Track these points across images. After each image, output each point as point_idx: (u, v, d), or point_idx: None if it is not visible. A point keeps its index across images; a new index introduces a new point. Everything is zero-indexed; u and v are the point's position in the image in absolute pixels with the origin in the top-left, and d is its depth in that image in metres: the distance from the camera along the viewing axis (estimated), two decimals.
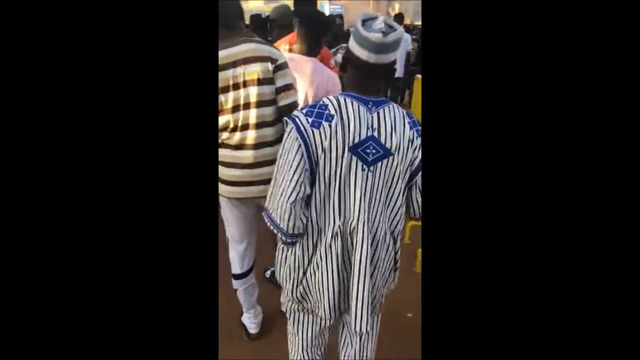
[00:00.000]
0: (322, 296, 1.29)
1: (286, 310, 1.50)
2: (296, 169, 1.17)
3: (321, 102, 1.18)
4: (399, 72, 5.75)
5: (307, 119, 1.16)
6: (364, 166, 1.17)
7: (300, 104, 1.97)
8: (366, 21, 1.15)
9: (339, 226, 1.22)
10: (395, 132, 1.17)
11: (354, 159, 1.16)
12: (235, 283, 1.98)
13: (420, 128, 1.22)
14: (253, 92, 1.62)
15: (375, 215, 1.23)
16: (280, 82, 1.65)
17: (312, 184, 1.20)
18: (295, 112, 1.20)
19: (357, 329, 1.25)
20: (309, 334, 1.49)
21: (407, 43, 6.27)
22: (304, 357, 1.53)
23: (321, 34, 2.01)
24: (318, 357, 1.56)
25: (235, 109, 1.63)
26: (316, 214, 1.23)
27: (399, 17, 6.84)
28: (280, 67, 1.65)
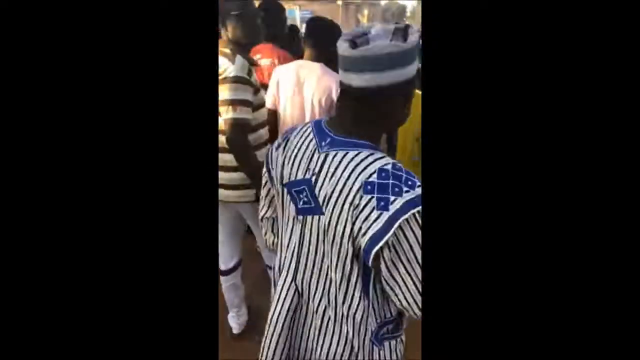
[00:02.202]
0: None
1: None
2: (264, 186, 1.11)
3: (300, 126, 1.01)
4: None
5: (281, 138, 1.03)
6: (295, 212, 0.95)
7: (308, 106, 2.12)
8: (363, 35, 0.85)
9: (283, 258, 1.06)
10: (334, 188, 0.86)
11: (288, 198, 0.96)
12: (221, 279, 2.08)
13: (395, 199, 0.81)
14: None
15: (310, 279, 0.98)
16: (220, 95, 1.60)
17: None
18: None
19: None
20: None
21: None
22: None
23: (330, 41, 2.15)
24: None
25: None
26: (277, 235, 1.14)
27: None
28: (222, 81, 1.59)
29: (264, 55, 2.49)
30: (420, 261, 0.85)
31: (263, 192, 1.12)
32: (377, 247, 0.82)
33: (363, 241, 0.84)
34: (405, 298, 0.88)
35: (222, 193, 1.77)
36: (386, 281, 0.88)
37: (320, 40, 2.11)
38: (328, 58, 2.10)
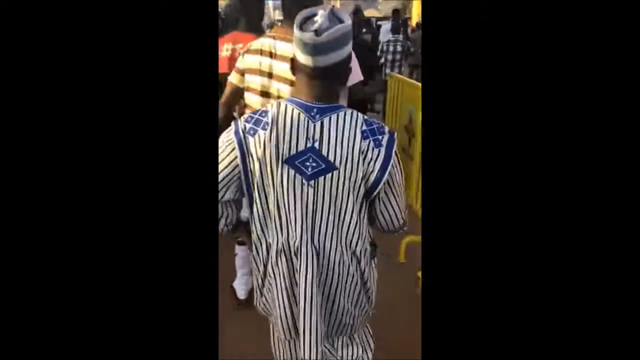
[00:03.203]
0: (276, 314, 1.23)
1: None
2: (223, 170, 1.12)
3: (263, 109, 1.12)
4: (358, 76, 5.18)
5: (245, 125, 1.10)
6: (304, 180, 1.09)
7: None
8: (307, 19, 1.04)
9: (282, 243, 1.15)
10: (342, 143, 1.07)
11: (292, 172, 1.08)
12: (237, 248, 2.14)
13: (382, 137, 1.10)
14: (283, 89, 1.68)
15: (325, 234, 1.14)
16: None
17: (250, 193, 1.14)
18: (242, 117, 1.15)
19: (306, 356, 1.16)
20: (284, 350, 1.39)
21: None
22: None
23: None
24: None
25: (264, 94, 1.73)
26: (260, 226, 1.17)
27: (358, 11, 6.11)
28: None
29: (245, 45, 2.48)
30: (400, 184, 1.16)
31: (223, 174, 1.12)
32: (386, 174, 1.09)
33: (372, 176, 1.09)
34: (396, 215, 1.18)
35: None
36: (384, 205, 1.16)
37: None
38: None
